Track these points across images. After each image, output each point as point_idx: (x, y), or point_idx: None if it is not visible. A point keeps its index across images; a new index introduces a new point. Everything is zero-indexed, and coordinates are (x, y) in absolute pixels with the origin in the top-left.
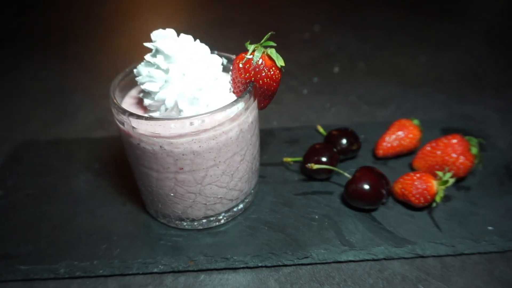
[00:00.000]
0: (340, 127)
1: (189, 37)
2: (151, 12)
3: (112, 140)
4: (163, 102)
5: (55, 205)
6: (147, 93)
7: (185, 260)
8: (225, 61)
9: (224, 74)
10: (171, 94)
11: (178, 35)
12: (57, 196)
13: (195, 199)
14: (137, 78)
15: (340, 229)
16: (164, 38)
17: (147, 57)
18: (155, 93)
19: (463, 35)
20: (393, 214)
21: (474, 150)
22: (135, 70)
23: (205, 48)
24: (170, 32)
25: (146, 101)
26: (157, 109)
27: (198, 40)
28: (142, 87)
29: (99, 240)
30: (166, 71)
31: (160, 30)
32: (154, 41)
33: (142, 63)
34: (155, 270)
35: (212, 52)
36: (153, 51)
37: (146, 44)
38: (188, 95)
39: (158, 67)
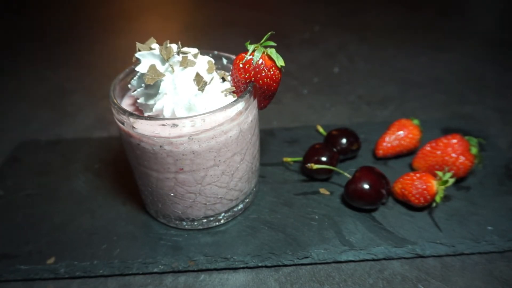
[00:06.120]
0: (340, 127)
1: (174, 46)
2: (151, 12)
3: (112, 140)
4: (161, 112)
5: (55, 205)
6: (145, 105)
7: (185, 260)
8: (225, 61)
9: (220, 72)
10: (167, 105)
11: (175, 38)
12: (57, 196)
13: (195, 199)
14: (132, 93)
15: (340, 229)
16: (147, 57)
17: (139, 73)
18: (152, 105)
19: (463, 35)
20: (393, 214)
21: (474, 150)
22: (129, 85)
23: (193, 51)
24: (153, 46)
25: (145, 112)
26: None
27: (185, 47)
28: (139, 101)
29: (99, 240)
30: (158, 85)
31: (143, 50)
32: (140, 63)
33: (135, 77)
34: (155, 270)
35: (204, 53)
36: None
37: (136, 68)
38: (184, 103)
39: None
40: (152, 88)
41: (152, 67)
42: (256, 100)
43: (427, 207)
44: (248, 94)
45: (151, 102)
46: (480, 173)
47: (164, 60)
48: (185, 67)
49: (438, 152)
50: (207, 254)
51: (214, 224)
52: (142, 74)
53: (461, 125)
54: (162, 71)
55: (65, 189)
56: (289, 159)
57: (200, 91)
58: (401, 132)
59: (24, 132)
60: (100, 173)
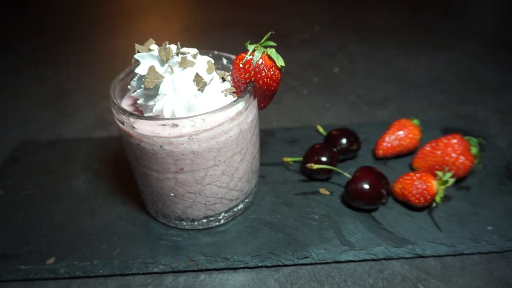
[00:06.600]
0: (340, 127)
1: (173, 47)
2: (151, 12)
3: (112, 140)
4: (161, 113)
5: (55, 205)
6: (145, 106)
7: (185, 260)
8: (225, 61)
9: (220, 72)
10: (167, 105)
11: (175, 38)
12: (57, 196)
13: (195, 199)
14: (132, 94)
15: (340, 229)
16: (146, 58)
17: (138, 74)
18: (152, 106)
19: (463, 35)
20: (393, 214)
21: (474, 150)
22: (129, 86)
23: (192, 52)
24: (151, 47)
25: (145, 113)
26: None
27: (184, 48)
28: (138, 102)
29: (99, 240)
30: (158, 86)
31: (142, 51)
32: (139, 64)
33: (135, 78)
34: (155, 270)
35: (204, 53)
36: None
37: (136, 70)
38: (184, 103)
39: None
40: (151, 89)
41: (152, 69)
42: (256, 100)
43: (427, 207)
44: (248, 94)
45: (151, 103)
46: (480, 173)
47: (163, 61)
48: (185, 68)
49: (438, 152)
50: (207, 254)
51: (214, 224)
52: (142, 76)
53: (461, 125)
54: (161, 72)
55: (65, 189)
56: (289, 159)
57: (200, 92)
58: (401, 132)
59: (24, 132)
60: (100, 173)
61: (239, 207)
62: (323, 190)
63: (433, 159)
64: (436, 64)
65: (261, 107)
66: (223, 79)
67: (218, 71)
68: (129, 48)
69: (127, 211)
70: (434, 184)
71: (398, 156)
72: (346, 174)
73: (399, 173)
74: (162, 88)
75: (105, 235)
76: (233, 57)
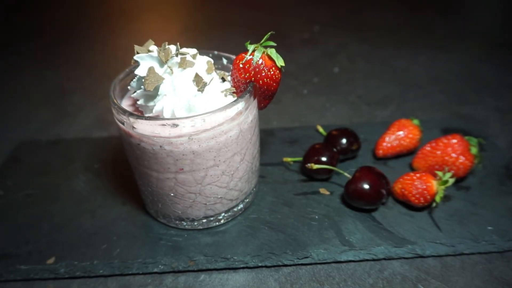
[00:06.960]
0: (340, 127)
1: (172, 47)
2: (151, 12)
3: (112, 140)
4: (161, 113)
5: (55, 205)
6: (145, 106)
7: (185, 260)
8: (225, 61)
9: (220, 72)
10: (167, 106)
11: (175, 38)
12: (57, 196)
13: (195, 199)
14: (132, 95)
15: (340, 229)
16: (146, 59)
17: (138, 75)
18: (152, 106)
19: (463, 35)
20: (393, 214)
21: (474, 150)
22: (129, 87)
23: (192, 52)
24: (151, 48)
25: (146, 114)
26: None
27: (184, 48)
28: (138, 102)
29: (99, 240)
30: (158, 87)
31: (141, 52)
32: (139, 65)
33: (135, 79)
34: (155, 270)
35: (203, 53)
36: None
37: (135, 71)
38: (184, 104)
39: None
40: (151, 90)
41: (151, 71)
42: (256, 100)
43: (427, 207)
44: (248, 94)
45: (151, 103)
46: (480, 173)
47: (162, 62)
48: (184, 68)
49: (438, 152)
50: (207, 254)
51: (214, 224)
52: (142, 77)
53: (461, 125)
54: (161, 73)
55: (65, 189)
56: (289, 159)
57: (199, 92)
58: (401, 132)
59: (24, 132)
60: (100, 173)
61: (239, 207)
62: (323, 190)
63: (433, 159)
64: (436, 64)
65: (261, 107)
66: (223, 79)
67: (218, 71)
68: (129, 48)
69: (127, 211)
70: (434, 184)
71: (398, 156)
72: (346, 174)
73: (399, 173)
74: (162, 89)
75: (105, 235)
76: (233, 57)
